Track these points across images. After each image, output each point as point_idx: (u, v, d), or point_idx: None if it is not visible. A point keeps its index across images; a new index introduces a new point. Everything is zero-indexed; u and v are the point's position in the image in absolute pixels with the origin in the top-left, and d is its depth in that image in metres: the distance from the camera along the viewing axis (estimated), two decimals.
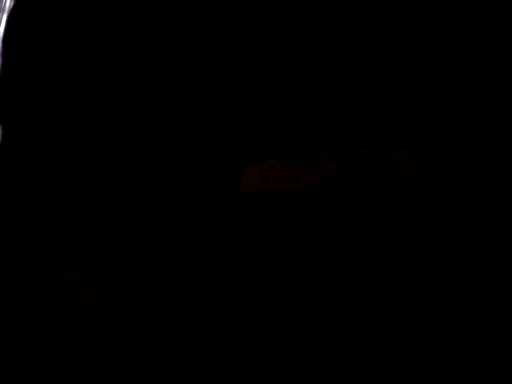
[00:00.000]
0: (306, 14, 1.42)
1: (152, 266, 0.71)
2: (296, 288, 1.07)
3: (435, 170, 1.13)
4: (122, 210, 0.73)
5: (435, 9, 1.20)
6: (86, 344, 0.71)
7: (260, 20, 1.49)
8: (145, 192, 0.75)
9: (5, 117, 0.71)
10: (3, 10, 1.98)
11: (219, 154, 0.86)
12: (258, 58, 1.48)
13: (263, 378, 0.75)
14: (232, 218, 0.78)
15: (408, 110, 1.20)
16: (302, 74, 1.42)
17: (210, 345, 0.71)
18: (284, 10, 1.46)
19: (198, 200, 0.77)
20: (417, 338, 1.06)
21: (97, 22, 0.73)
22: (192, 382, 0.69)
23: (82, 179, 0.71)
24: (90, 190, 0.72)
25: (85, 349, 0.71)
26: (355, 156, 1.24)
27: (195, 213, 0.76)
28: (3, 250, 0.74)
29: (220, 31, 1.26)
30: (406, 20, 1.23)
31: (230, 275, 0.75)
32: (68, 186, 0.73)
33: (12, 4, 0.72)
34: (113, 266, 0.73)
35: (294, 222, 1.22)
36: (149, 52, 0.73)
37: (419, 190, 1.14)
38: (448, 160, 1.12)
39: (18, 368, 0.69)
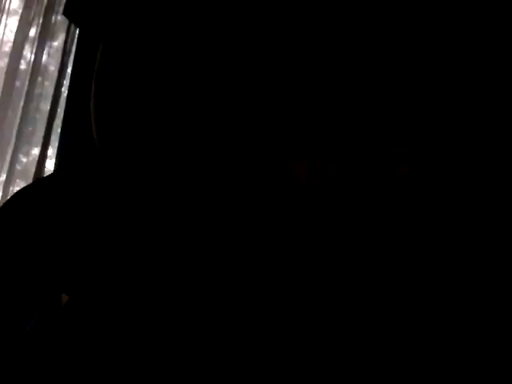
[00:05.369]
0: (307, 15, 1.42)
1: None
2: (296, 288, 1.07)
3: (435, 170, 1.13)
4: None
5: (435, 9, 1.21)
6: None
7: (261, 23, 1.49)
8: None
9: None
10: (3, 11, 1.98)
11: (221, 154, 0.86)
12: (258, 59, 1.48)
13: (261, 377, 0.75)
14: (231, 218, 0.79)
15: (408, 110, 1.21)
16: (302, 74, 1.43)
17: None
18: (287, 12, 1.46)
19: (200, 201, 0.77)
20: (416, 338, 1.06)
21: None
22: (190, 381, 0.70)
23: None
24: None
25: None
26: (355, 156, 1.24)
27: (195, 213, 0.76)
28: None
29: (220, 32, 1.26)
30: (406, 20, 1.24)
31: (229, 275, 0.76)
32: None
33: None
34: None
35: (295, 222, 1.22)
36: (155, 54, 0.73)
37: (419, 190, 1.15)
38: (448, 160, 1.12)
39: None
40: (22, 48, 1.93)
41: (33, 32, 1.93)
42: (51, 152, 1.78)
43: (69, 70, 1.82)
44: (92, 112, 0.74)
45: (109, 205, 0.74)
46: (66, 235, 0.72)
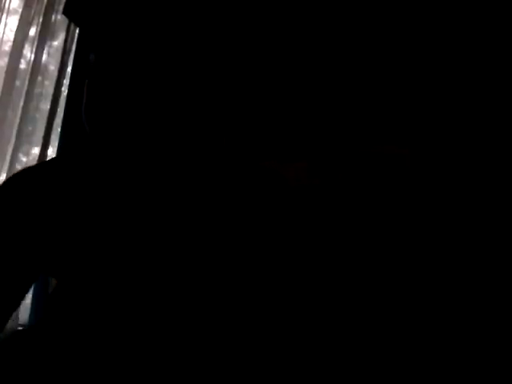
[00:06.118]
0: (307, 15, 1.42)
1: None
2: (297, 288, 1.07)
3: (435, 170, 1.13)
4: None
5: (435, 9, 1.21)
6: None
7: (261, 24, 1.49)
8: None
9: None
10: (3, 11, 1.98)
11: (219, 154, 0.86)
12: (259, 60, 1.48)
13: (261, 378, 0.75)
14: (230, 218, 0.79)
15: (408, 111, 1.21)
16: (303, 75, 1.43)
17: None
18: (286, 12, 1.46)
19: (197, 199, 0.77)
20: (416, 336, 1.06)
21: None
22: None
23: None
24: None
25: None
26: (355, 156, 1.24)
27: (194, 212, 0.76)
28: None
29: (221, 33, 1.26)
30: (406, 21, 1.24)
31: (229, 273, 0.76)
32: None
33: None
34: None
35: (294, 222, 1.22)
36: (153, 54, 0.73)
37: (419, 190, 1.15)
38: (448, 160, 1.12)
39: None
40: (22, 47, 1.93)
41: (33, 31, 1.93)
42: (51, 151, 1.78)
43: (69, 70, 1.82)
44: (84, 104, 0.74)
45: (102, 194, 0.74)
46: (62, 220, 0.72)
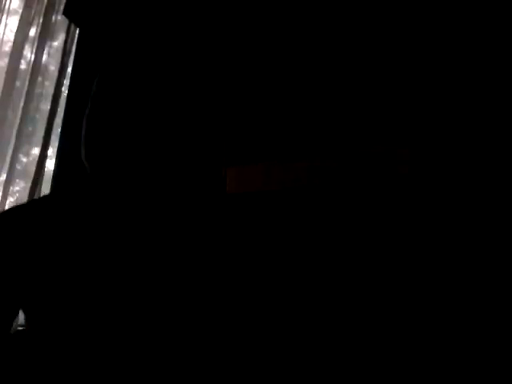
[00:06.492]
0: (307, 15, 1.42)
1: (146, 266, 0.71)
2: (295, 287, 1.07)
3: (434, 170, 1.13)
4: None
5: (435, 10, 1.21)
6: None
7: (258, 22, 1.49)
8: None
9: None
10: (4, 11, 1.98)
11: (219, 153, 0.86)
12: (258, 59, 1.48)
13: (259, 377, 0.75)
14: (230, 218, 0.79)
15: (408, 111, 1.21)
16: (302, 76, 1.43)
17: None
18: (284, 12, 1.46)
19: (196, 199, 0.77)
20: (414, 336, 1.06)
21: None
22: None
23: None
24: None
25: None
26: (355, 156, 1.24)
27: (193, 211, 0.76)
28: None
29: (218, 33, 1.26)
30: (406, 21, 1.24)
31: (225, 274, 0.76)
32: None
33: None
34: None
35: (295, 222, 1.22)
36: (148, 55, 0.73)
37: (418, 189, 1.15)
38: (447, 160, 1.12)
39: None
40: (22, 48, 1.93)
41: (33, 32, 1.93)
42: (51, 152, 1.78)
43: (69, 70, 1.82)
44: (83, 136, 0.73)
45: (96, 227, 0.73)
46: (55, 255, 0.71)
